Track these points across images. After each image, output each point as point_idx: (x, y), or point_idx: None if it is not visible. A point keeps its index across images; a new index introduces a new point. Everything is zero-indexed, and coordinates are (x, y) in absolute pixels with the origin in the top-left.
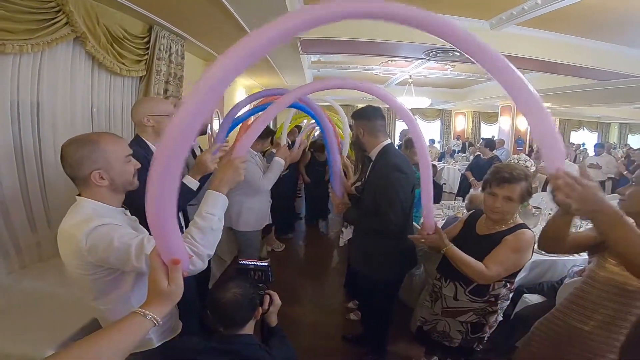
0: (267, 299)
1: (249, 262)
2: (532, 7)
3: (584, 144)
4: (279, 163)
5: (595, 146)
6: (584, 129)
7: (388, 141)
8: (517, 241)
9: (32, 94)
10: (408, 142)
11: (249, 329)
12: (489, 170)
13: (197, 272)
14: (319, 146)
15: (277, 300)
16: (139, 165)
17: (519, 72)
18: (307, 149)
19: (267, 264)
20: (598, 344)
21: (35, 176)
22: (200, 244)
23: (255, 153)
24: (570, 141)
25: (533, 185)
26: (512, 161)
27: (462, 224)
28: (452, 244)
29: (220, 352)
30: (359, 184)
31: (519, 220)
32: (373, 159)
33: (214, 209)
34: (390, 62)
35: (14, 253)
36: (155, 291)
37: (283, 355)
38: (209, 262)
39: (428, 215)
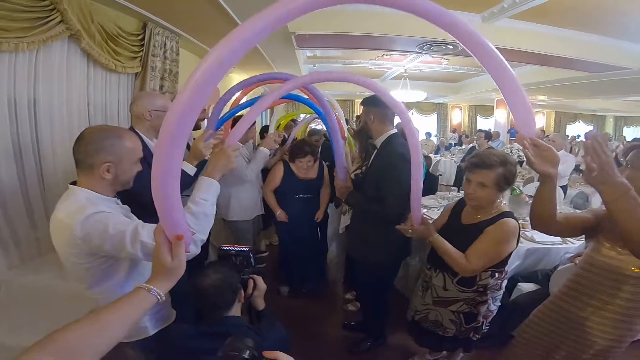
0: (250, 283)
1: (230, 248)
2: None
3: (579, 136)
4: (264, 153)
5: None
6: (579, 122)
7: (394, 131)
8: (497, 232)
9: (28, 91)
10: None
11: (235, 312)
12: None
13: (191, 257)
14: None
15: (262, 285)
16: (141, 169)
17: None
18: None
19: (247, 249)
20: (594, 330)
21: (33, 171)
22: (194, 229)
23: (241, 145)
24: (566, 133)
25: (529, 175)
26: (505, 150)
27: (448, 212)
28: (437, 235)
29: (210, 336)
30: (358, 171)
31: (504, 208)
32: (378, 146)
33: (206, 195)
34: (385, 56)
35: (14, 248)
36: (159, 267)
37: (273, 336)
38: (208, 250)
39: (416, 208)
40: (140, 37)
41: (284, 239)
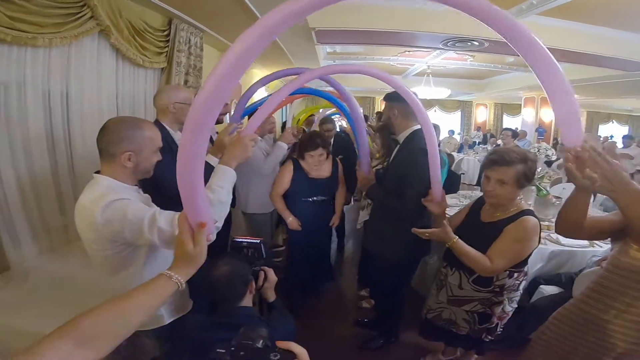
0: (261, 275)
1: (242, 240)
2: None
3: (612, 137)
4: (281, 147)
5: (623, 138)
6: (613, 122)
7: (418, 126)
8: (518, 230)
9: (61, 84)
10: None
11: (246, 303)
12: None
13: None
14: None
15: (273, 277)
16: (160, 158)
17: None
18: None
19: (259, 241)
20: (616, 333)
21: (64, 161)
22: None
23: (260, 138)
24: (598, 134)
25: (557, 176)
26: (532, 150)
27: (467, 209)
28: (457, 238)
29: (223, 327)
30: (379, 166)
31: (524, 206)
32: (401, 141)
33: (222, 182)
34: (407, 52)
35: (44, 235)
36: (181, 253)
37: (284, 328)
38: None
39: (436, 182)
40: (165, 32)
41: (294, 245)
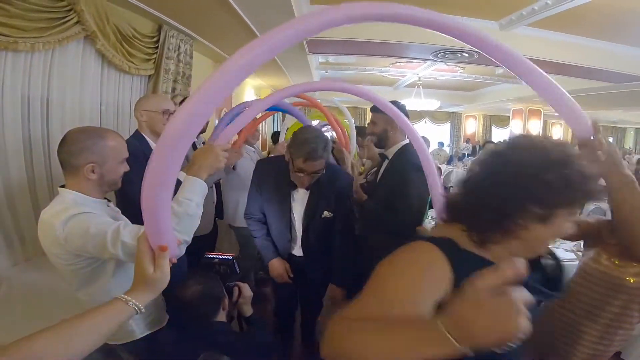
0: (236, 290)
1: (214, 256)
2: (542, 7)
3: None
4: None
5: None
6: None
7: (407, 141)
8: None
9: (42, 90)
10: None
11: (220, 318)
12: None
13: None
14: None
15: (247, 292)
16: (128, 169)
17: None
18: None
19: (231, 257)
20: (585, 335)
21: (42, 170)
22: (177, 230)
23: (253, 149)
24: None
25: None
26: None
27: None
28: None
29: (193, 341)
30: (363, 181)
31: None
32: (390, 157)
33: (191, 194)
34: (399, 63)
35: (19, 245)
36: (140, 277)
37: (259, 342)
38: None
39: (437, 200)
40: (154, 39)
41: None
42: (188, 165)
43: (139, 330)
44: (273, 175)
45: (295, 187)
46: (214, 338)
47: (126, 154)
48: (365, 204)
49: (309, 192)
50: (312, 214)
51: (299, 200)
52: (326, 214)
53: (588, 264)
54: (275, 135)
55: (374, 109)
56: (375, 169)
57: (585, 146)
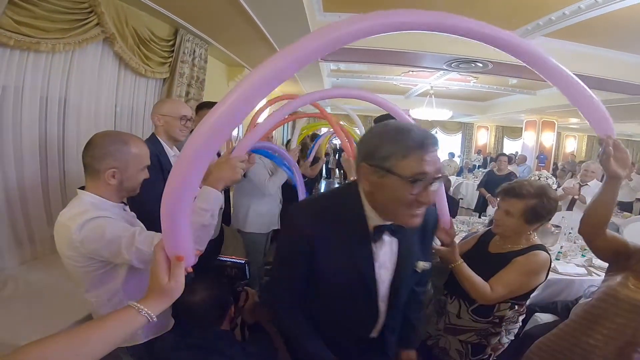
0: (243, 295)
1: (227, 259)
2: (559, 18)
3: None
4: None
5: None
6: None
7: None
8: (527, 263)
9: (60, 91)
10: None
11: (224, 325)
12: None
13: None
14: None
15: (254, 298)
16: (148, 176)
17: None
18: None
19: (244, 262)
20: (597, 357)
21: (56, 170)
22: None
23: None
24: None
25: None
26: (532, 178)
27: (475, 240)
28: (462, 261)
29: (193, 349)
30: None
31: (536, 241)
32: None
33: (207, 205)
34: (411, 72)
35: (28, 244)
36: (154, 286)
37: (260, 351)
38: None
39: (443, 212)
40: (171, 42)
41: None
42: (204, 175)
43: (143, 334)
44: (338, 221)
45: (380, 232)
46: (215, 346)
47: (148, 162)
48: None
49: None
50: (405, 269)
51: (386, 252)
52: (422, 265)
53: (615, 288)
54: (288, 144)
55: (376, 121)
56: None
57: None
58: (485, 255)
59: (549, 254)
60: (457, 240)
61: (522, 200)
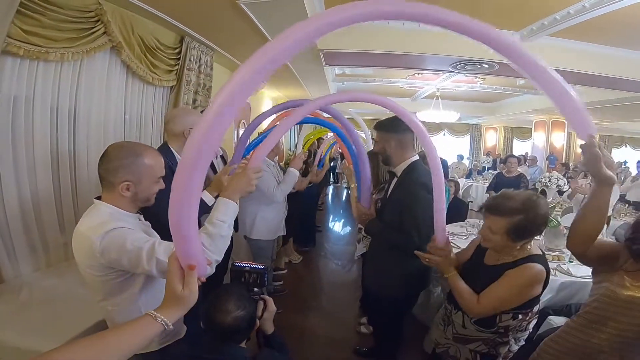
0: (260, 305)
1: (244, 264)
2: (565, 17)
3: (625, 162)
4: (293, 174)
5: (638, 163)
6: (626, 146)
7: (416, 157)
8: (517, 277)
9: (70, 101)
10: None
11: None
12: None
13: (206, 277)
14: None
15: (272, 307)
16: (163, 187)
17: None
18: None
19: (263, 267)
20: (602, 354)
21: (68, 179)
22: (209, 250)
23: (273, 163)
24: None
25: (568, 205)
26: (543, 180)
27: (473, 248)
28: (455, 272)
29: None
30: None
31: (531, 252)
32: (398, 174)
33: (224, 216)
34: (417, 75)
35: (42, 251)
36: (170, 294)
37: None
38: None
39: (440, 229)
40: (177, 50)
41: None
42: (221, 187)
43: (157, 341)
44: None
45: None
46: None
47: (162, 172)
48: (368, 226)
49: None
50: None
51: None
52: None
53: (613, 289)
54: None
55: (376, 127)
56: (382, 185)
57: (589, 145)
58: (481, 267)
59: (545, 263)
60: (466, 244)
61: (504, 218)
